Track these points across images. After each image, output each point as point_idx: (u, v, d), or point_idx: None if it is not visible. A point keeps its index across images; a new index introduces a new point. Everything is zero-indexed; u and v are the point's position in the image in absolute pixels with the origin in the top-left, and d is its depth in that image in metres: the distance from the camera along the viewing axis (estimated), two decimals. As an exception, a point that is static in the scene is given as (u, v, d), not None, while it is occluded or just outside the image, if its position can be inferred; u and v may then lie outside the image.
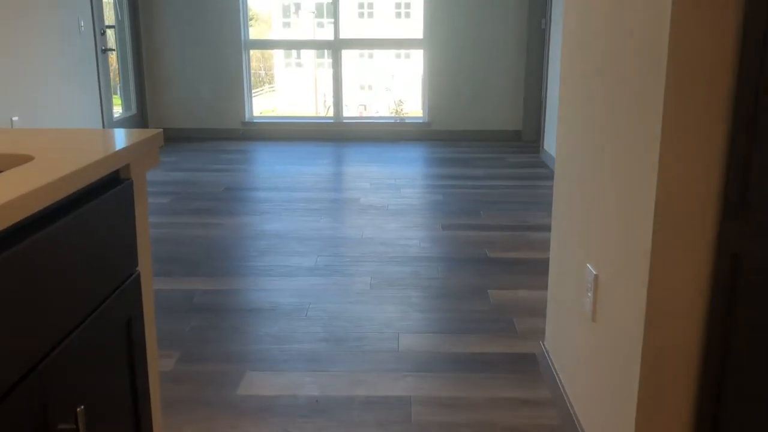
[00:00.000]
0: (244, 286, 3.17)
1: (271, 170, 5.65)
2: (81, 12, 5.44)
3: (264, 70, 23.53)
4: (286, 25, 23.50)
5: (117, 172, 1.27)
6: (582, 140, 1.94)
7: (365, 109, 23.15)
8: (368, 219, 4.20)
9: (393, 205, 4.51)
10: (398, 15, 23.07)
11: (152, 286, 1.44)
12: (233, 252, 3.63)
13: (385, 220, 4.18)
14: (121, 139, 1.32)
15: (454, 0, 6.63)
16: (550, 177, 5.32)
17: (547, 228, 4.00)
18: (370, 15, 22.47)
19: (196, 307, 2.92)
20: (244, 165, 5.83)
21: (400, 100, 8.36)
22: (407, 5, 23.20)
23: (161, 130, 1.42)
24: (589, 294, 1.80)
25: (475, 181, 5.20)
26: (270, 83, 24.85)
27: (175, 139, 6.87)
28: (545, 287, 3.07)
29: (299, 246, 3.70)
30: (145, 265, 1.39)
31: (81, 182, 1.08)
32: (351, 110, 21.65)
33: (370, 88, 24.99)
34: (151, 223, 4.16)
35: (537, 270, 3.34)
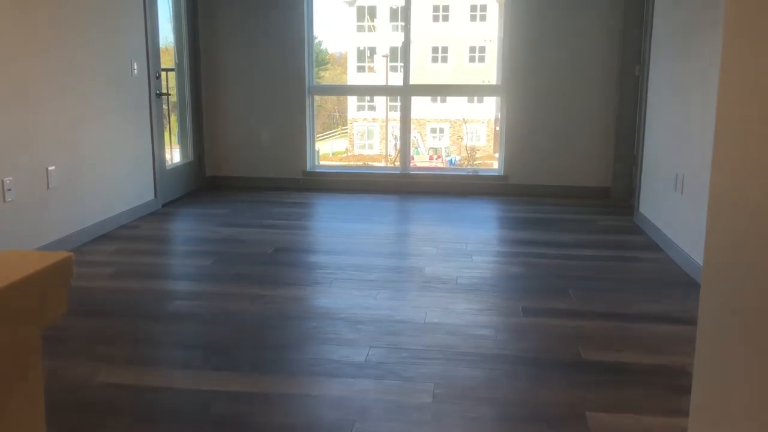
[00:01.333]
0: (276, 388, 2.54)
1: (329, 228, 5.08)
2: (135, 55, 5.08)
3: (338, 112, 23.71)
4: (361, 69, 23.47)
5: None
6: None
7: (435, 153, 22.67)
8: (433, 297, 3.53)
9: (463, 278, 3.83)
10: (472, 59, 22.67)
11: None
12: (271, 337, 3.02)
13: (453, 298, 3.51)
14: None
15: (533, 43, 5.98)
16: (650, 247, 4.52)
17: (655, 318, 3.23)
18: (444, 59, 22.12)
19: (213, 420, 2.30)
20: (301, 220, 5.29)
21: (474, 147, 7.74)
22: (481, 49, 22.80)
23: (70, 254, 0.81)
24: None
25: (560, 249, 4.47)
26: (343, 125, 24.85)
27: (232, 188, 6.43)
28: (663, 412, 2.31)
29: (349, 331, 3.07)
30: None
31: None
32: (422, 155, 21.13)
33: (441, 131, 24.61)
34: (186, 292, 3.62)
35: (649, 382, 2.58)
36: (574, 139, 6.07)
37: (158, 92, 5.44)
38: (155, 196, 5.46)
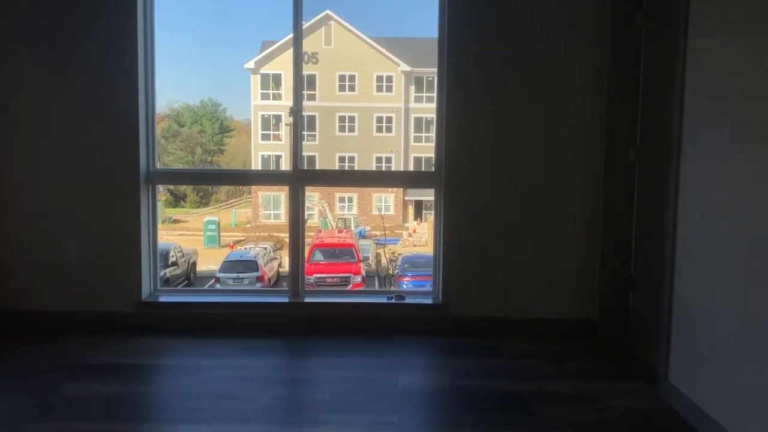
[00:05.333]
0: None
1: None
2: None
3: (246, 179, 20.99)
4: (266, 137, 21.27)
5: None
6: None
7: (344, 226, 20.40)
8: None
9: None
10: (380, 129, 20.99)
11: None
12: None
13: None
14: None
15: (485, 118, 3.91)
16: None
17: None
18: (351, 129, 20.26)
19: None
20: (103, 421, 2.79)
21: (393, 253, 5.67)
22: (388, 120, 21.18)
23: None
24: None
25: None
26: (249, 193, 22.15)
27: (21, 332, 3.84)
28: None
29: None
30: None
31: None
32: (330, 228, 18.72)
33: (350, 200, 22.51)
34: None
35: None
36: (542, 252, 3.95)
37: None
38: None
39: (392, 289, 5.06)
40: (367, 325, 3.96)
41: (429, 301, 4.06)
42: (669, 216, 3.02)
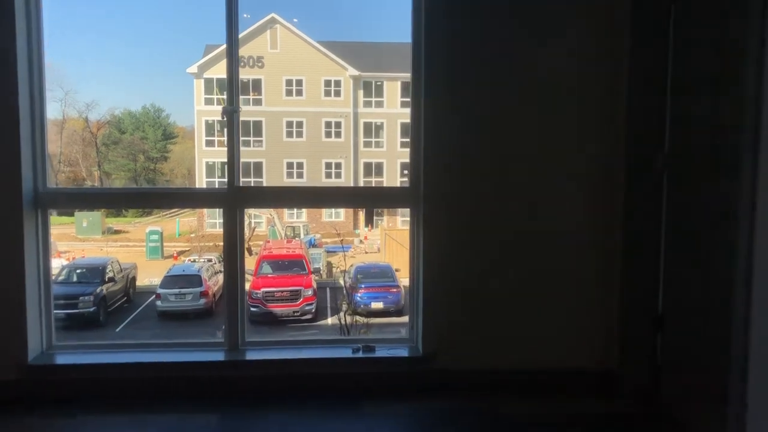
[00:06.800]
0: None
1: None
2: None
3: (188, 184, 19.81)
4: (210, 143, 19.95)
5: None
6: None
7: (293, 233, 19.23)
8: None
9: None
10: (328, 134, 20.01)
11: None
12: None
13: None
14: None
15: (473, 122, 3.04)
16: None
17: None
18: (299, 134, 19.22)
19: None
20: None
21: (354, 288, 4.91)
22: (337, 125, 20.24)
23: None
24: None
25: None
26: (194, 201, 20.58)
27: None
28: None
29: None
30: None
31: None
32: (279, 238, 17.61)
33: (299, 215, 21.35)
34: None
35: None
36: (548, 285, 3.10)
37: None
38: None
39: (357, 338, 3.99)
40: (328, 387, 3.02)
41: (405, 352, 3.14)
42: (742, 242, 2.20)
